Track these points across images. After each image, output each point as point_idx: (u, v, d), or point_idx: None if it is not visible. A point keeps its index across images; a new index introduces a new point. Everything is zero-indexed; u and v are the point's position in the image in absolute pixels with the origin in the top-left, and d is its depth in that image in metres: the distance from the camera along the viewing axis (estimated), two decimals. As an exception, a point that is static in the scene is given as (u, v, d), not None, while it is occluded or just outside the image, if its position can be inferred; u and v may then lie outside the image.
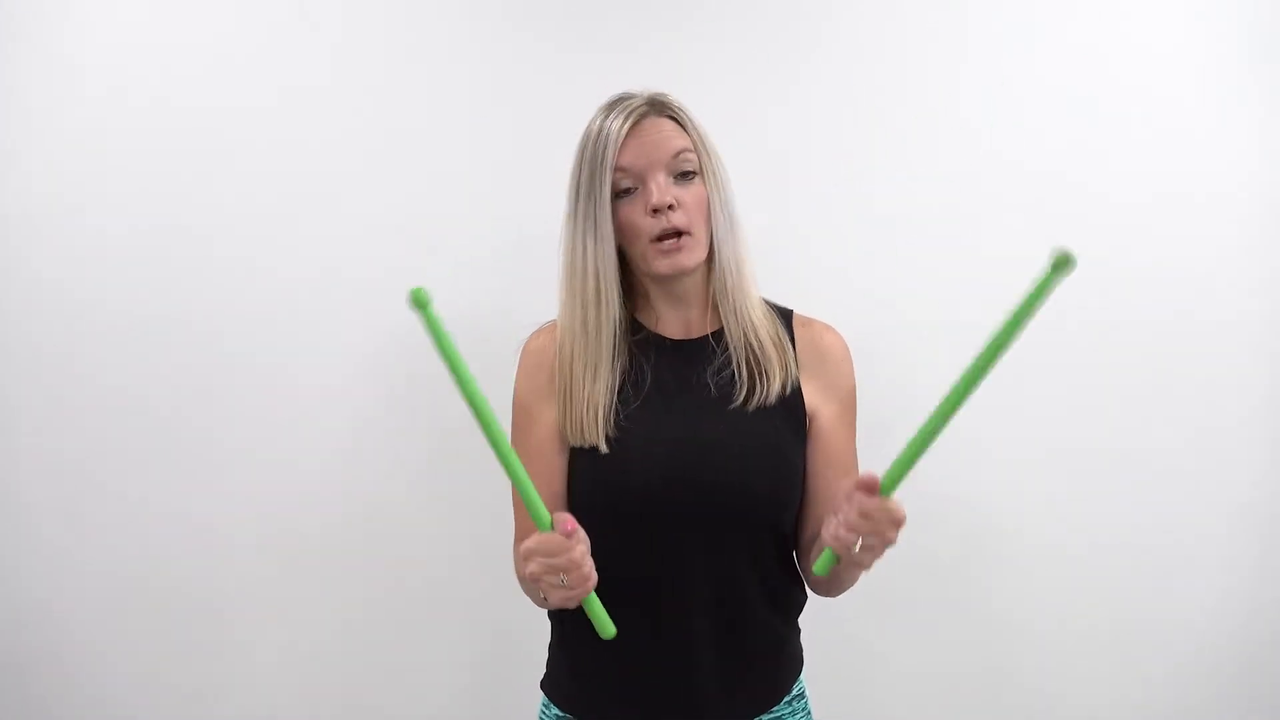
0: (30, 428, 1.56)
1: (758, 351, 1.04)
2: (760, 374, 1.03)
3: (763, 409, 1.02)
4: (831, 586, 1.06)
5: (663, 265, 1.01)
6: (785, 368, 1.04)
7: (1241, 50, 1.52)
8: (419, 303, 0.76)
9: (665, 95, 1.04)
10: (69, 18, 1.52)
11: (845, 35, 1.53)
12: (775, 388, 1.02)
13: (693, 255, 1.01)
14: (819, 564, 0.89)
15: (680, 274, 1.02)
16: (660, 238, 1.00)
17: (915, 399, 1.49)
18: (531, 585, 0.90)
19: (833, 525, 0.85)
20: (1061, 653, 1.59)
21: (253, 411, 1.56)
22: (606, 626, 0.90)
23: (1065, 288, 1.51)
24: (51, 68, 1.52)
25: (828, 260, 1.53)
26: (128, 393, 1.55)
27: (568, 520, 0.86)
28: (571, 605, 0.89)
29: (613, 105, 1.03)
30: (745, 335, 1.04)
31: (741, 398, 1.02)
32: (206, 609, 1.58)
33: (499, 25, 1.52)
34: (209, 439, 1.56)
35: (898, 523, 0.82)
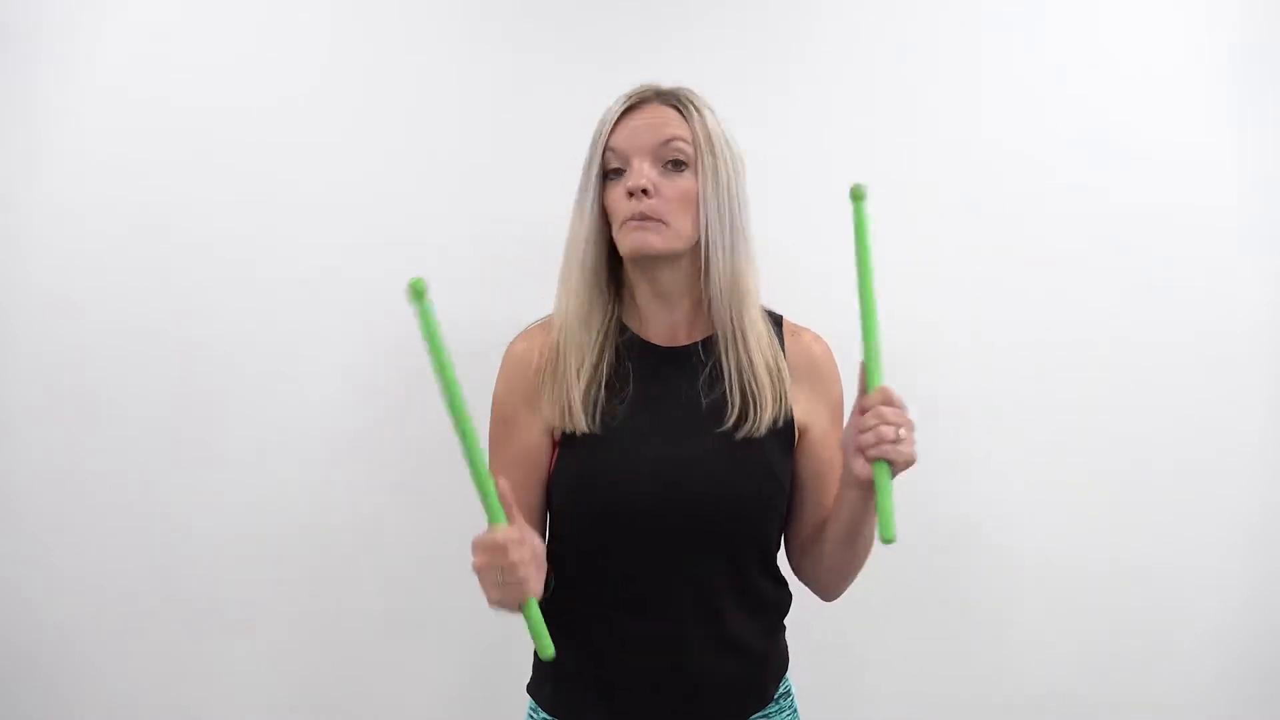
0: (24, 432, 1.54)
1: (750, 379, 1.00)
2: (753, 403, 1.00)
3: (751, 438, 1.00)
4: (836, 580, 1.08)
5: (627, 244, 0.99)
6: (779, 400, 1.01)
7: (1246, 58, 1.54)
8: (416, 293, 0.79)
9: (682, 88, 1.03)
10: (68, 25, 1.49)
11: (840, 37, 1.54)
12: (766, 419, 1.00)
13: (658, 240, 0.98)
14: (882, 513, 0.90)
15: (643, 255, 0.99)
16: (630, 220, 0.98)
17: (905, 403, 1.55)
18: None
19: (869, 436, 0.89)
20: (1056, 661, 1.61)
21: (247, 416, 1.54)
22: (545, 646, 0.89)
23: (1064, 297, 1.54)
24: (50, 73, 1.50)
25: (819, 263, 1.50)
26: (122, 398, 1.54)
27: (514, 523, 0.86)
28: (507, 607, 0.87)
29: (627, 92, 1.03)
30: (738, 354, 1.01)
31: (731, 423, 1.00)
32: (197, 615, 1.57)
33: (497, 28, 1.53)
34: (203, 444, 1.55)
35: (902, 402, 0.91)
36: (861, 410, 0.91)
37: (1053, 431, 1.58)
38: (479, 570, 0.85)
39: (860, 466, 0.90)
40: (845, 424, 0.95)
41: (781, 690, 1.11)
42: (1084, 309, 1.56)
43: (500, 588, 0.85)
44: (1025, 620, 1.60)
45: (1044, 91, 1.55)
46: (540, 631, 0.88)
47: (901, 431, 0.89)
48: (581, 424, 0.99)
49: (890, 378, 1.50)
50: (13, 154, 1.51)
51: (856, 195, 0.91)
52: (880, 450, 0.88)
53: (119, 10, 1.49)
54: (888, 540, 0.89)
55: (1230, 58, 1.54)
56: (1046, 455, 1.58)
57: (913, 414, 1.53)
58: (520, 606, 0.87)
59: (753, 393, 1.00)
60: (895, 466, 0.89)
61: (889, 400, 0.90)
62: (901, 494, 1.62)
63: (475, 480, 0.84)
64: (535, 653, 1.12)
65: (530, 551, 0.86)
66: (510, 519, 0.86)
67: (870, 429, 0.89)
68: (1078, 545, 1.59)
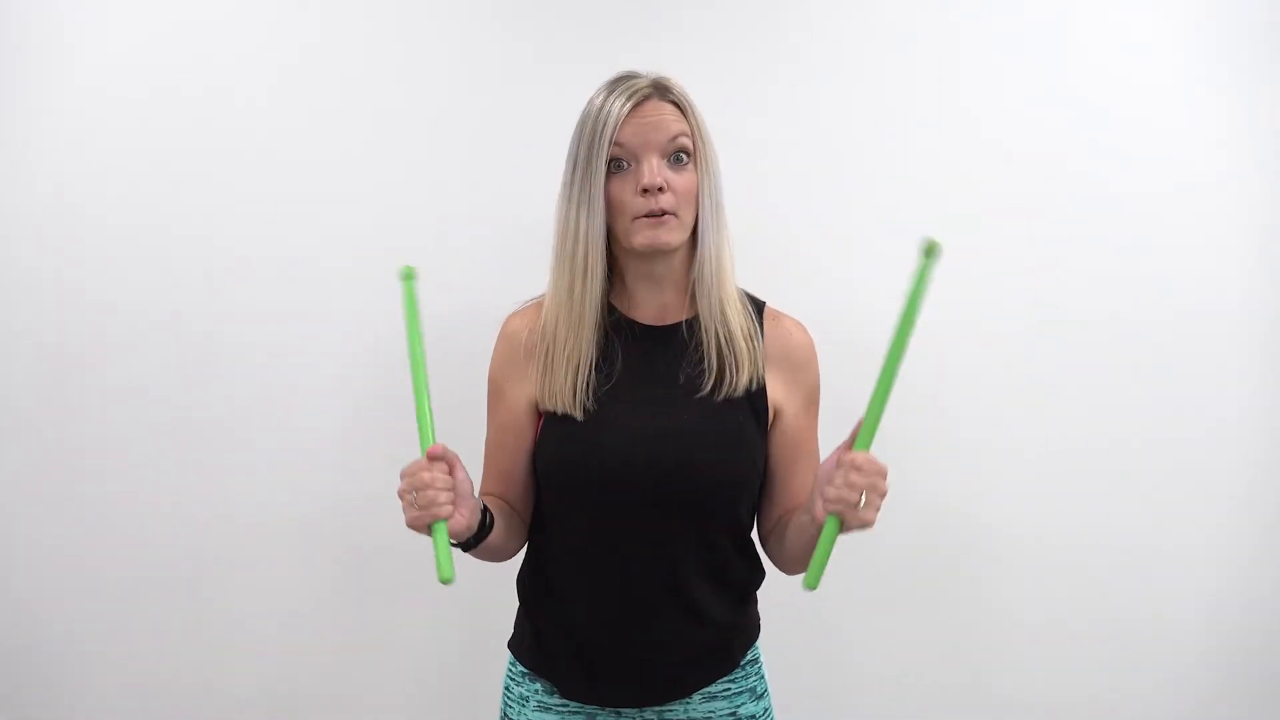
0: (26, 420, 1.59)
1: (728, 345, 1.06)
2: (729, 366, 1.05)
3: (728, 401, 1.05)
4: (794, 567, 1.11)
5: (643, 239, 1.03)
6: (754, 364, 1.07)
7: (1246, 47, 1.54)
8: (405, 277, 0.97)
9: (669, 80, 1.06)
10: (67, 13, 1.53)
11: (838, 31, 1.56)
12: (743, 380, 1.05)
13: (674, 234, 1.03)
14: (815, 560, 0.90)
15: (658, 250, 1.03)
16: (645, 216, 1.02)
17: (895, 394, 1.57)
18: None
19: (832, 491, 0.90)
20: (1038, 644, 1.63)
21: (248, 401, 1.59)
22: (443, 569, 0.91)
23: (1059, 286, 1.56)
24: (49, 63, 1.54)
25: (811, 255, 1.57)
26: (123, 384, 1.58)
27: (436, 447, 0.94)
28: (418, 527, 0.93)
29: (616, 83, 1.05)
30: (718, 326, 1.06)
31: (709, 387, 1.05)
32: (202, 591, 1.63)
33: (497, 26, 1.56)
34: (205, 430, 1.59)
35: (883, 471, 0.90)
36: (838, 462, 0.91)
37: (1038, 417, 1.59)
38: (399, 493, 0.93)
39: (818, 509, 0.92)
40: (823, 461, 0.96)
41: (749, 657, 1.16)
42: (1071, 298, 1.57)
43: (412, 508, 0.92)
44: (1007, 603, 1.62)
45: (1037, 82, 1.56)
46: (442, 554, 0.91)
47: (866, 497, 0.89)
48: (568, 406, 1.04)
49: (873, 369, 1.56)
50: (17, 147, 1.55)
51: (929, 251, 0.87)
52: (838, 508, 0.90)
53: (116, 3, 1.54)
54: (808, 588, 0.91)
55: (1222, 51, 1.55)
56: (1031, 440, 1.59)
57: (902, 401, 1.57)
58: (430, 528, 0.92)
59: (730, 355, 1.06)
60: (847, 526, 0.91)
61: (868, 466, 0.90)
62: (906, 495, 1.62)
63: (416, 405, 0.96)
64: (518, 612, 1.19)
65: (444, 480, 0.93)
66: (436, 455, 0.94)
67: (838, 485, 0.90)
68: (1059, 527, 1.60)
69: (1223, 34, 1.55)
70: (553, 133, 1.11)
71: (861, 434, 0.91)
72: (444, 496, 0.93)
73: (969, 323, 1.58)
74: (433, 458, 0.94)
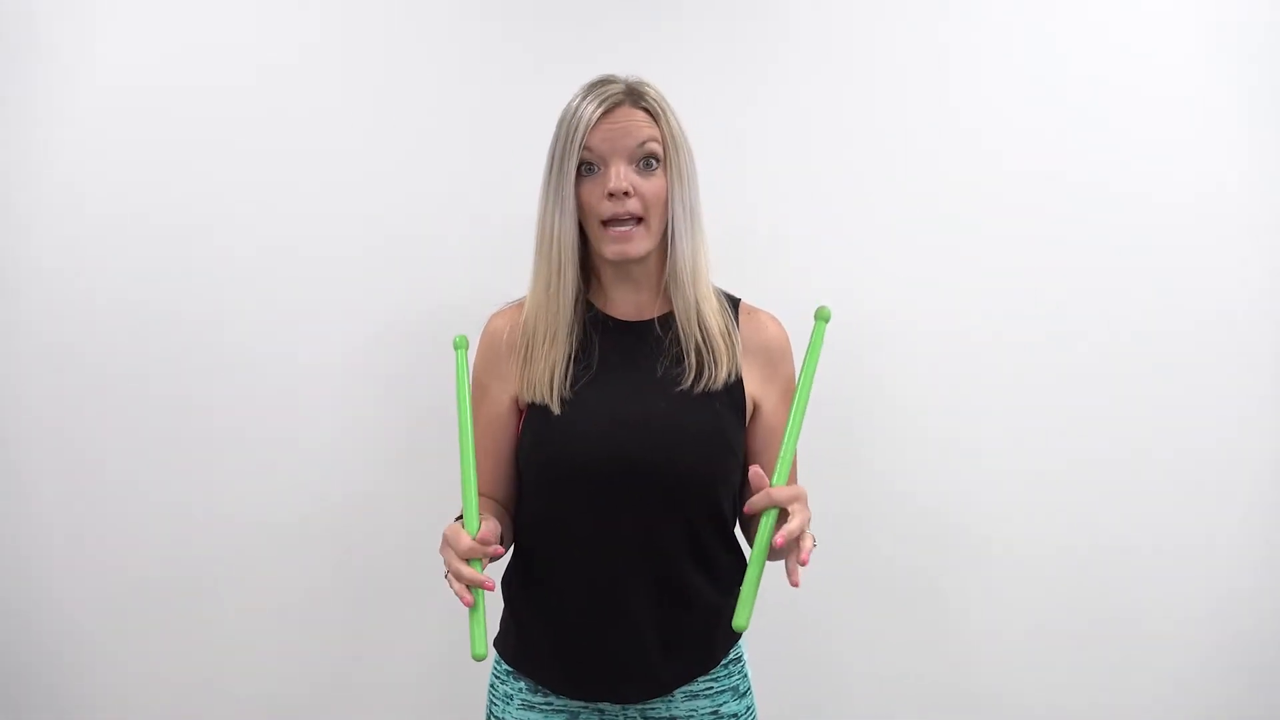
0: (32, 417, 1.60)
1: (705, 343, 1.08)
2: (708, 363, 1.07)
3: (707, 394, 1.07)
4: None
5: (610, 250, 1.06)
6: (732, 360, 1.09)
7: (1246, 47, 1.52)
8: (458, 345, 1.06)
9: (645, 85, 1.08)
10: (68, 14, 1.55)
11: (830, 33, 1.56)
12: (721, 375, 1.07)
13: (640, 245, 1.05)
14: (741, 601, 0.94)
15: (626, 260, 1.06)
16: (612, 221, 1.05)
17: (882, 396, 1.58)
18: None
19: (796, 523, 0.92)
20: (1035, 648, 1.62)
21: (247, 401, 1.60)
22: (475, 645, 0.93)
23: (1059, 288, 1.55)
24: (53, 59, 1.56)
25: (802, 256, 1.57)
26: (123, 383, 1.60)
27: (487, 535, 0.96)
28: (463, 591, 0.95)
29: (592, 87, 1.07)
30: (695, 325, 1.08)
31: (688, 382, 1.07)
32: (202, 590, 1.64)
33: (489, 25, 1.57)
34: (204, 430, 1.61)
35: (797, 497, 0.94)
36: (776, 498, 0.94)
37: (1037, 419, 1.58)
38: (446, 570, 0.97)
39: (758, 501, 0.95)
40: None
41: (732, 656, 1.16)
42: (1071, 299, 1.56)
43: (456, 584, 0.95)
44: (1002, 607, 1.61)
45: (1035, 84, 1.54)
46: (475, 631, 0.94)
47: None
48: (546, 398, 1.06)
49: (874, 368, 1.57)
50: (22, 144, 1.56)
51: (822, 316, 1.04)
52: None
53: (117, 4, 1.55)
54: (737, 629, 0.93)
55: (1223, 51, 1.53)
56: (1030, 442, 1.58)
57: (902, 403, 1.58)
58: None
59: (709, 352, 1.08)
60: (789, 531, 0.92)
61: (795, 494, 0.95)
62: (878, 476, 1.61)
63: (464, 488, 1.00)
64: (504, 610, 1.19)
65: (466, 568, 0.95)
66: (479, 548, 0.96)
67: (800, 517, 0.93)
68: (1059, 529, 1.59)
69: (1224, 34, 1.53)
70: (547, 132, 1.12)
71: (779, 473, 0.98)
72: (457, 585, 0.95)
73: (965, 325, 1.58)
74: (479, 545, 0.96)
